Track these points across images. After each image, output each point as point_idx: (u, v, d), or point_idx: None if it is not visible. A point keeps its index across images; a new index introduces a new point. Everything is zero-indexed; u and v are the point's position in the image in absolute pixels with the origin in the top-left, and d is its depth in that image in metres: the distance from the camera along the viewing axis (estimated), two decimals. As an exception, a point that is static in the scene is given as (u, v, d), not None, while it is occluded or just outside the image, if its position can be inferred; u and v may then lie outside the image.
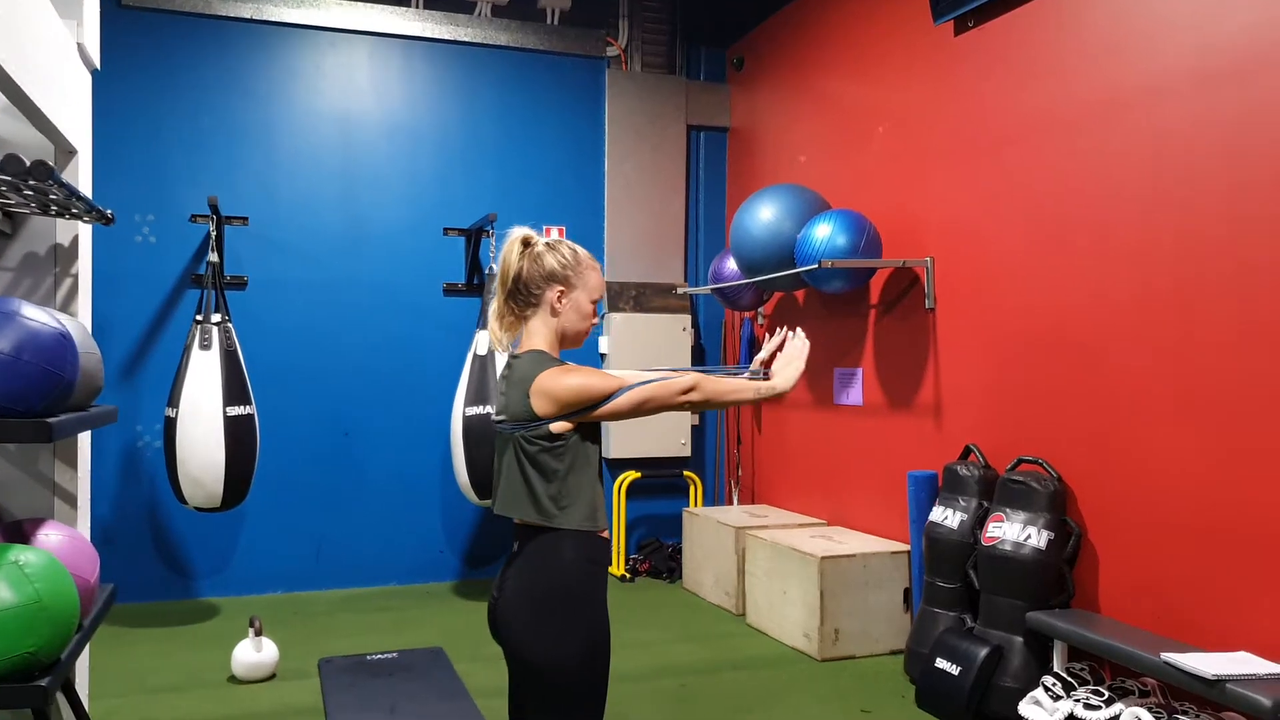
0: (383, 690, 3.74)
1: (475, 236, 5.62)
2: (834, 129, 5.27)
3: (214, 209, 4.82)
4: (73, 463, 2.87)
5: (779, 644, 4.50)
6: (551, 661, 1.92)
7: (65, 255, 2.85)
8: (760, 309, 5.90)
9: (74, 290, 2.87)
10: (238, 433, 4.53)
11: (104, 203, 5.10)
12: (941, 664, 3.60)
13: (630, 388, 1.94)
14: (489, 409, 4.96)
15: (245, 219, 5.31)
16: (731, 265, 5.29)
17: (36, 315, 2.07)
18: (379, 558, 5.57)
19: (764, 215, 4.77)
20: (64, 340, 2.09)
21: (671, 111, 6.27)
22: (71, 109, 2.81)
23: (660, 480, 6.18)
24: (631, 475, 5.97)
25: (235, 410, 4.53)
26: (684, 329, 6.19)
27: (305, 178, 5.48)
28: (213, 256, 4.77)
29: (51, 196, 2.46)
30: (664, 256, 6.26)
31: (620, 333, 6.03)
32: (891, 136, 4.75)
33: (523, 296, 2.04)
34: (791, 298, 5.64)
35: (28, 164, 2.06)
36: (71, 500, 2.87)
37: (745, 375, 2.39)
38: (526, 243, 2.06)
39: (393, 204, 5.66)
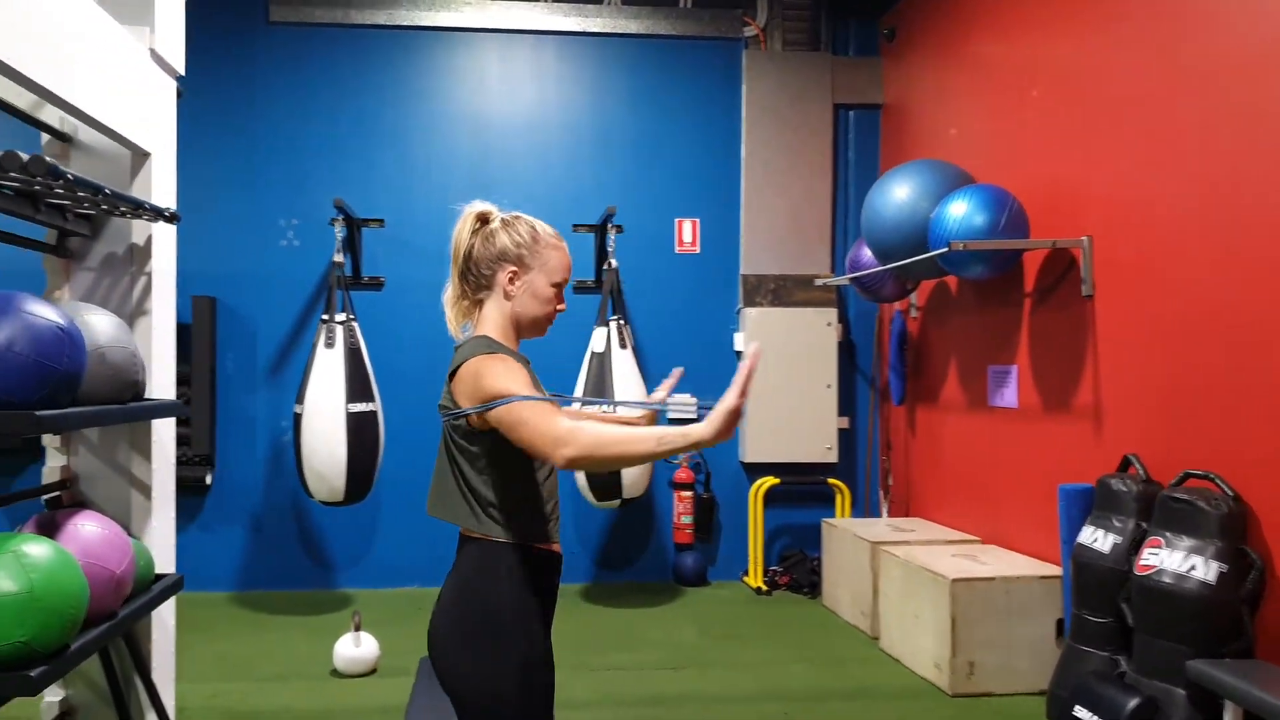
0: (470, 695, 3.65)
1: (601, 231, 5.48)
2: (983, 96, 4.70)
3: (343, 211, 4.95)
4: (147, 454, 2.95)
5: (910, 673, 4.03)
6: (480, 696, 1.69)
7: (140, 255, 2.94)
8: (913, 300, 5.39)
9: (148, 288, 2.95)
10: (360, 429, 4.61)
11: (251, 208, 5.40)
12: (1081, 713, 3.05)
13: (512, 400, 1.60)
14: (607, 410, 4.79)
15: (381, 221, 5.44)
16: (869, 252, 4.84)
17: (36, 309, 2.08)
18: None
19: (897, 194, 4.31)
20: (61, 334, 2.09)
21: (815, 91, 5.86)
22: (142, 114, 2.88)
23: (804, 488, 5.79)
24: (769, 481, 5.62)
25: (357, 407, 4.62)
26: (829, 324, 5.77)
27: (438, 178, 5.54)
28: (338, 257, 4.90)
29: (101, 197, 2.51)
30: (807, 246, 5.86)
31: (757, 329, 5.69)
32: (1047, 99, 4.15)
33: (473, 278, 1.84)
34: (943, 287, 5.10)
35: (25, 160, 2.08)
36: (146, 491, 2.95)
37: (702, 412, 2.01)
38: (483, 219, 1.85)
39: (522, 202, 5.52)
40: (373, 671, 3.95)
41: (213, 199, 5.34)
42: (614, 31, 5.69)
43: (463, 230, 1.83)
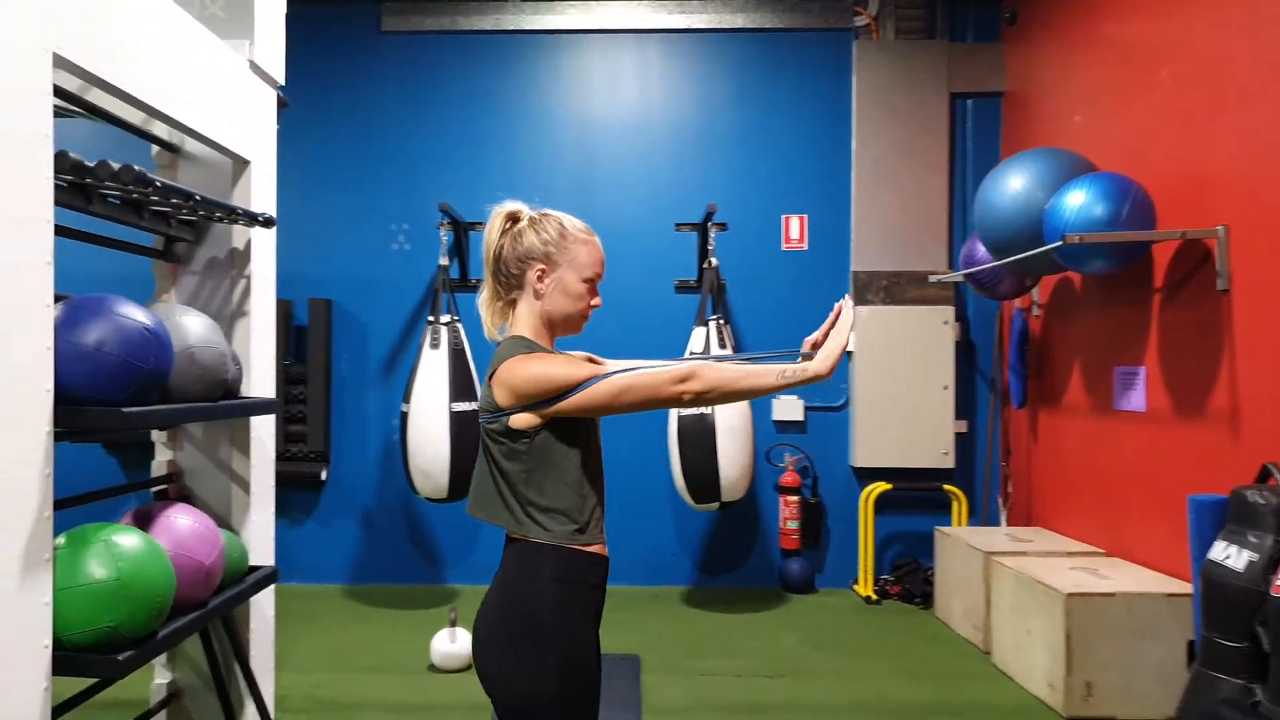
0: (560, 695, 3.65)
1: (703, 230, 5.41)
2: (1109, 79, 4.38)
3: (449, 214, 5.06)
4: (246, 451, 3.07)
5: (1021, 691, 3.79)
6: (518, 697, 1.66)
7: (240, 258, 3.06)
8: (1034, 297, 5.09)
9: (247, 290, 3.07)
10: (462, 428, 4.70)
11: (365, 213, 5.59)
12: (1207, 746, 2.79)
13: (604, 376, 1.63)
14: (705, 410, 4.73)
15: (487, 224, 5.54)
16: (983, 248, 4.59)
17: (125, 311, 2.18)
18: (616, 556, 5.53)
19: (1012, 185, 4.07)
20: (148, 334, 2.19)
21: (930, 80, 5.61)
22: (242, 124, 3.00)
23: (918, 494, 5.56)
24: (881, 487, 5.42)
25: (460, 406, 4.70)
26: (945, 322, 5.51)
27: (543, 181, 5.60)
28: (443, 260, 5.01)
29: (192, 203, 2.63)
30: (922, 242, 5.61)
31: (867, 329, 5.50)
32: (1178, 81, 3.83)
33: (505, 278, 1.82)
34: (1066, 283, 4.79)
35: (116, 168, 2.19)
36: (245, 486, 3.08)
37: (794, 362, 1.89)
38: (512, 218, 1.83)
39: (626, 202, 5.62)
40: (468, 667, 4.00)
41: (329, 205, 5.56)
42: (719, 27, 5.61)
43: (492, 230, 1.82)
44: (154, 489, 2.99)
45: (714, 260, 5.12)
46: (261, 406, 2.89)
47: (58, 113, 2.81)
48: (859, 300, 5.54)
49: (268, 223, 2.97)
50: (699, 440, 4.70)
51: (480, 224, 5.51)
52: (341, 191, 5.60)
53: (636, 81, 5.65)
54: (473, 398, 4.79)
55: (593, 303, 1.84)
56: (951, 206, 5.66)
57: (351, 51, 5.59)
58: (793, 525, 5.46)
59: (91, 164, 2.15)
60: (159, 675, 3.06)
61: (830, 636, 4.58)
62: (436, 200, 5.31)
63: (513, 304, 1.82)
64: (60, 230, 2.65)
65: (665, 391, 1.64)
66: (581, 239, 1.81)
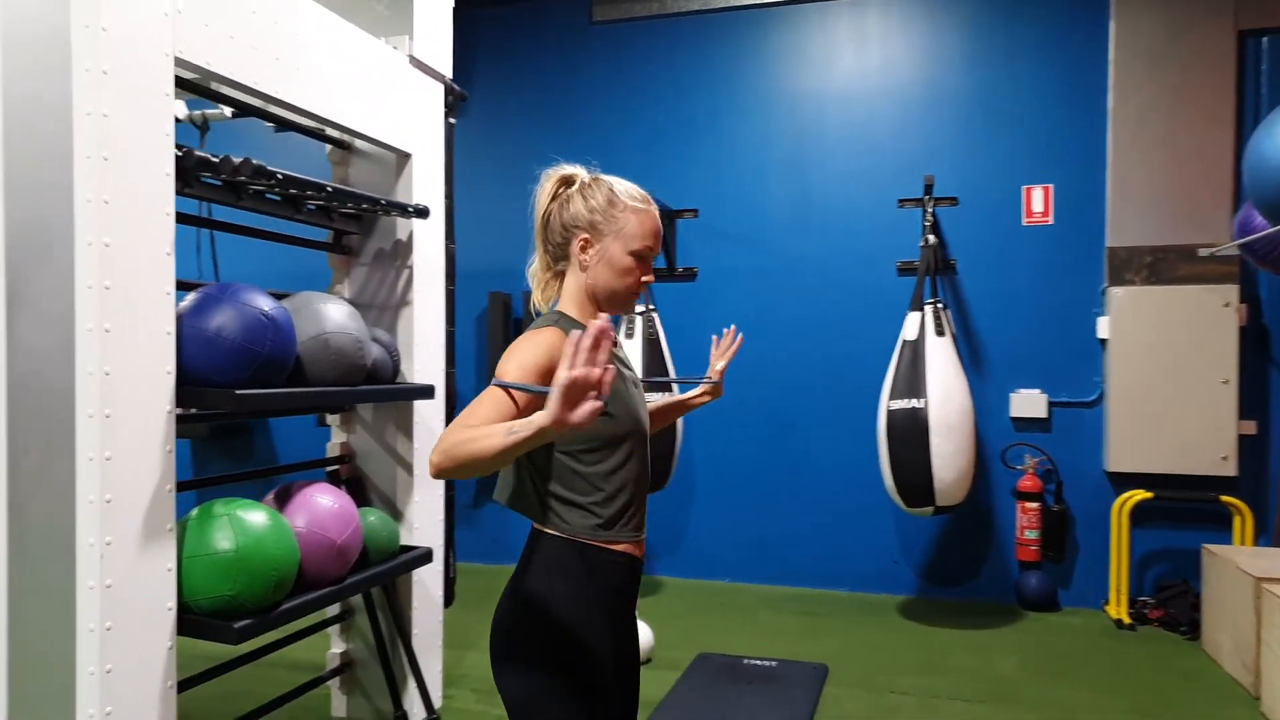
0: (729, 696, 3.47)
1: (926, 205, 4.94)
2: None
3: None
4: (410, 434, 3.19)
5: (1295, 756, 3.08)
6: (519, 697, 1.53)
7: (404, 249, 3.18)
8: (1343, 272, 4.14)
9: (410, 280, 3.18)
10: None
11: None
12: None
13: (491, 386, 1.42)
14: (916, 403, 4.31)
15: (695, 211, 5.43)
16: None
17: (246, 298, 2.30)
18: (824, 559, 5.23)
19: (1291, 133, 3.31)
20: (265, 321, 2.29)
21: (1212, 16, 4.74)
22: (403, 118, 3.11)
23: (1189, 505, 4.74)
24: (1139, 495, 4.67)
25: (654, 398, 4.63)
26: (1226, 304, 4.64)
27: (752, 163, 5.39)
28: (641, 248, 4.95)
29: (324, 195, 2.75)
30: (1198, 210, 4.76)
31: (1125, 312, 4.76)
32: None
33: (551, 247, 1.68)
34: (1385, 252, 3.84)
35: (236, 162, 2.31)
36: (409, 468, 3.19)
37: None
38: (566, 182, 1.68)
39: (842, 179, 5.26)
40: (646, 661, 3.92)
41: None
42: (945, -17, 5.11)
43: (543, 195, 1.68)
44: (327, 469, 3.18)
45: (931, 238, 4.66)
46: (403, 393, 2.97)
47: (279, 124, 3.05)
48: (1115, 279, 4.81)
49: (421, 213, 3.05)
50: (910, 438, 4.30)
51: (689, 211, 5.43)
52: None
53: (853, 50, 5.27)
54: (667, 389, 4.71)
55: (643, 279, 1.66)
56: (1238, 167, 4.75)
57: (563, 44, 5.69)
58: (1031, 535, 4.85)
59: (216, 159, 2.28)
60: (334, 645, 3.26)
61: (1059, 662, 4.00)
62: (644, 187, 5.27)
63: (561, 276, 1.69)
64: (248, 230, 2.89)
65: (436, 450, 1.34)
66: (632, 207, 1.64)
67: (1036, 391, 5.00)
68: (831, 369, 5.25)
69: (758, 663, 3.88)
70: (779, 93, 5.37)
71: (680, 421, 4.78)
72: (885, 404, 4.43)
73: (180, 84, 2.39)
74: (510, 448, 1.23)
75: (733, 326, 2.14)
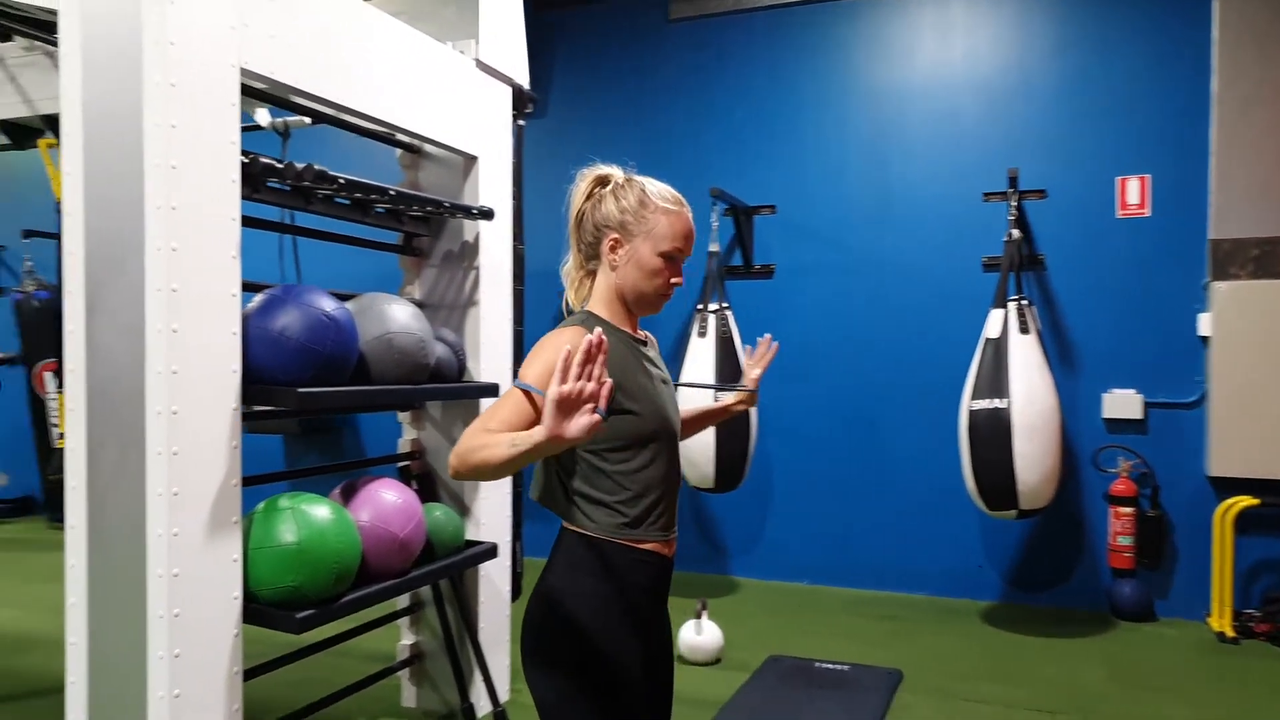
0: (797, 700, 3.43)
1: (1010, 199, 4.76)
2: None
3: (722, 199, 4.96)
4: (476, 433, 3.24)
5: None
6: (546, 694, 1.54)
7: (470, 250, 3.24)
8: None
9: (477, 281, 3.23)
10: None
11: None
12: None
13: (512, 388, 1.49)
14: (998, 403, 4.17)
15: (773, 207, 5.37)
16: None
17: (309, 299, 2.38)
18: (905, 562, 5.11)
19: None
20: (327, 321, 2.36)
21: (1324, -7, 4.44)
22: (469, 121, 3.17)
23: (1301, 511, 4.46)
24: (1244, 501, 4.40)
25: (726, 397, 4.60)
26: (1343, 299, 4.34)
27: (833, 157, 5.29)
28: (713, 246, 4.92)
29: (386, 198, 2.81)
30: (1311, 199, 4.46)
31: (1229, 308, 4.49)
32: None
33: (584, 246, 1.70)
34: None
35: (299, 168, 2.39)
36: (476, 466, 3.24)
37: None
38: (601, 182, 1.68)
39: (925, 173, 5.12)
40: (715, 661, 3.90)
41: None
42: (1033, -33, 4.91)
43: (577, 195, 1.69)
44: (399, 464, 3.27)
45: (1016, 233, 4.49)
46: (466, 391, 3.02)
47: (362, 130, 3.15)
48: (1218, 274, 4.55)
49: (485, 215, 3.10)
50: (992, 439, 4.16)
51: (767, 207, 5.37)
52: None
53: (936, 39, 5.12)
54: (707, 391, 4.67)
55: (673, 280, 1.65)
56: (1358, 150, 4.43)
57: (639, 42, 5.69)
58: (1125, 541, 4.63)
59: (281, 165, 2.37)
60: (405, 637, 3.34)
61: (1153, 676, 3.81)
62: (721, 185, 5.23)
63: (593, 275, 1.70)
64: (324, 235, 3.00)
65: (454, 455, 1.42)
66: (663, 208, 1.64)
67: (1131, 392, 4.77)
68: (913, 366, 5.12)
69: (829, 666, 3.81)
70: (859, 86, 5.26)
71: (754, 421, 4.73)
72: (967, 404, 4.29)
73: (257, 94, 2.49)
74: (512, 459, 1.30)
75: (767, 336, 2.10)
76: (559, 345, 1.50)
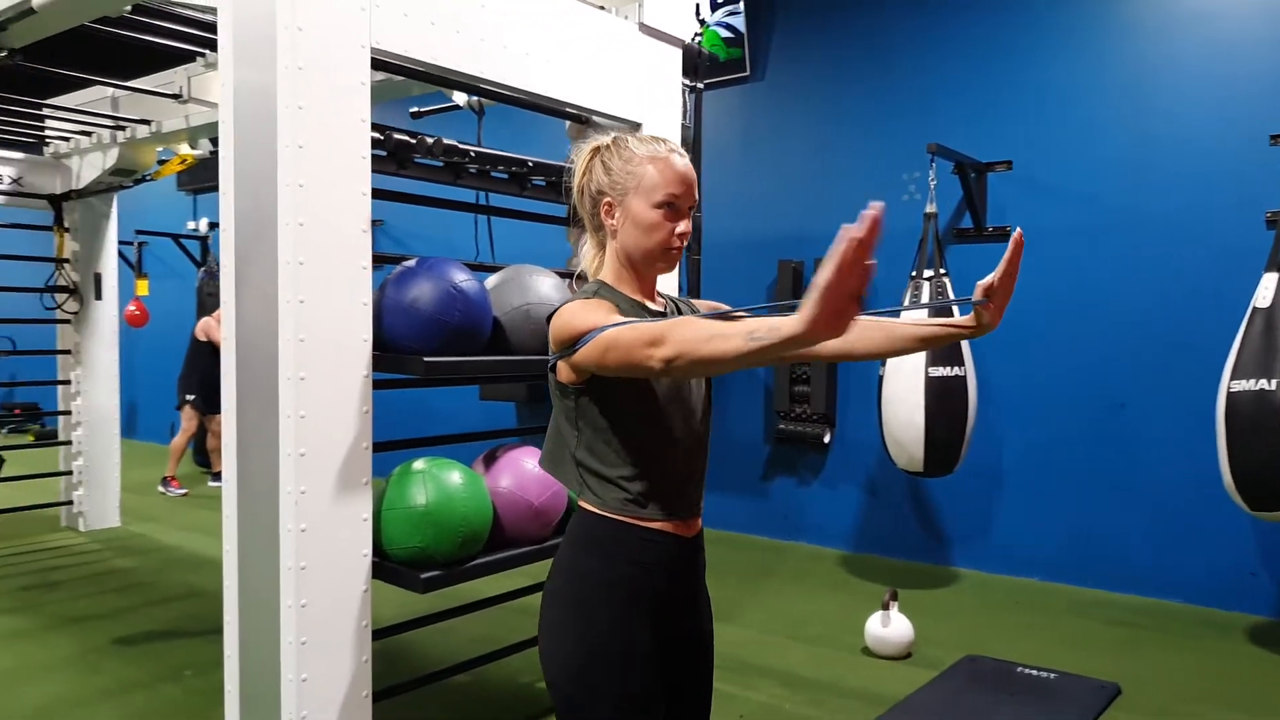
0: (983, 706, 3.10)
1: (1303, 140, 3.93)
2: None
3: (943, 155, 4.52)
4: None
5: None
6: (556, 675, 1.47)
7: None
8: None
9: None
10: (942, 394, 4.21)
11: (877, 164, 5.29)
12: None
13: (604, 329, 1.31)
14: (1266, 384, 3.49)
15: (1009, 163, 4.83)
16: None
17: (442, 271, 2.44)
18: (1157, 565, 4.43)
19: None
20: (454, 293, 2.41)
21: None
22: (632, 86, 3.11)
23: None
24: None
25: (940, 371, 4.22)
26: None
27: (1080, 102, 4.65)
28: (930, 207, 4.49)
29: (525, 169, 2.81)
30: None
31: None
32: None
33: (588, 220, 1.59)
34: None
35: (430, 143, 2.44)
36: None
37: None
38: (594, 152, 1.56)
39: (1194, 115, 4.36)
40: (905, 656, 3.61)
41: (834, 165, 5.40)
42: None
43: (577, 171, 1.58)
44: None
45: None
46: (500, 364, 2.94)
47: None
48: None
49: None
50: (1258, 427, 3.50)
51: (1002, 164, 4.87)
52: (851, 146, 5.39)
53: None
54: (957, 362, 4.26)
55: (677, 230, 1.49)
56: None
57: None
58: None
59: (414, 139, 2.43)
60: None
61: None
62: (952, 142, 4.75)
63: (602, 247, 1.60)
64: (490, 210, 3.09)
65: (637, 355, 1.26)
66: (646, 157, 1.49)
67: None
68: (1175, 342, 4.42)
69: (1032, 672, 3.40)
70: (1113, 17, 4.57)
71: (974, 399, 4.29)
72: (1226, 384, 3.63)
73: (414, 73, 2.57)
74: (751, 353, 1.13)
75: (1018, 230, 1.54)
76: (580, 305, 1.40)
